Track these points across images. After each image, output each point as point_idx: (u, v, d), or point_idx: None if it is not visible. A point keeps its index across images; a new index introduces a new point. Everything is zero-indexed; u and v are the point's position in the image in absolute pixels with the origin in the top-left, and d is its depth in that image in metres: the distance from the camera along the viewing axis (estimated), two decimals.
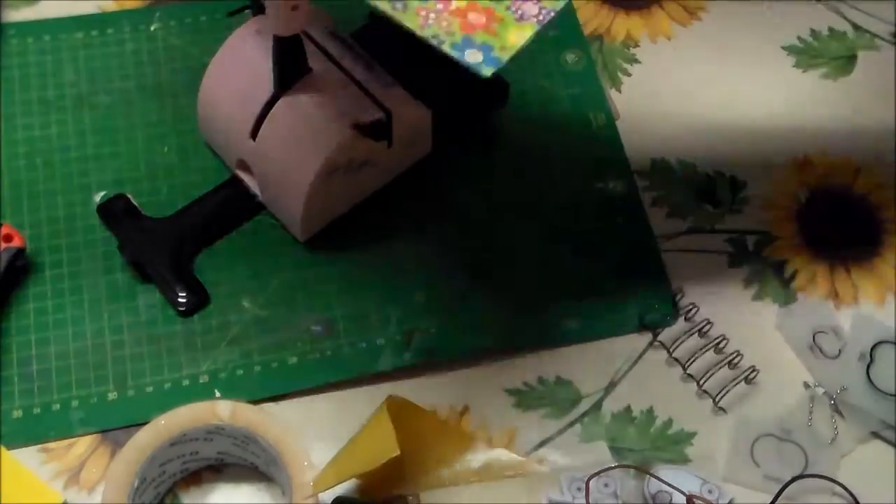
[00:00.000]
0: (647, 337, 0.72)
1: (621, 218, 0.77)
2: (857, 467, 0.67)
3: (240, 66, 0.72)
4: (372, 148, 0.70)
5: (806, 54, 0.86)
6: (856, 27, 0.87)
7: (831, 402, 0.69)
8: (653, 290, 0.74)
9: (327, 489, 0.61)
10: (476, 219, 0.76)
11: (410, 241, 0.75)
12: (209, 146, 0.78)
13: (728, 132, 0.81)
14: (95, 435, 0.67)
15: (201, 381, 0.69)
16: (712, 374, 0.70)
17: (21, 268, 0.71)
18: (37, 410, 0.67)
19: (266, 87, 0.70)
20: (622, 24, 0.87)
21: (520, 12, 0.57)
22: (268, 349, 0.70)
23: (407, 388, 0.69)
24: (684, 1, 0.88)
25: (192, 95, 0.75)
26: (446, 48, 0.55)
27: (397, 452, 0.59)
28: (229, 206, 0.75)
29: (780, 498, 0.64)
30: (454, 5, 0.57)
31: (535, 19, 0.56)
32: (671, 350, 0.71)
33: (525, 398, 0.70)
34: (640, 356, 0.71)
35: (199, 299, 0.71)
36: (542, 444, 0.68)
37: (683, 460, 0.67)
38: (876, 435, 0.69)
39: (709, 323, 0.72)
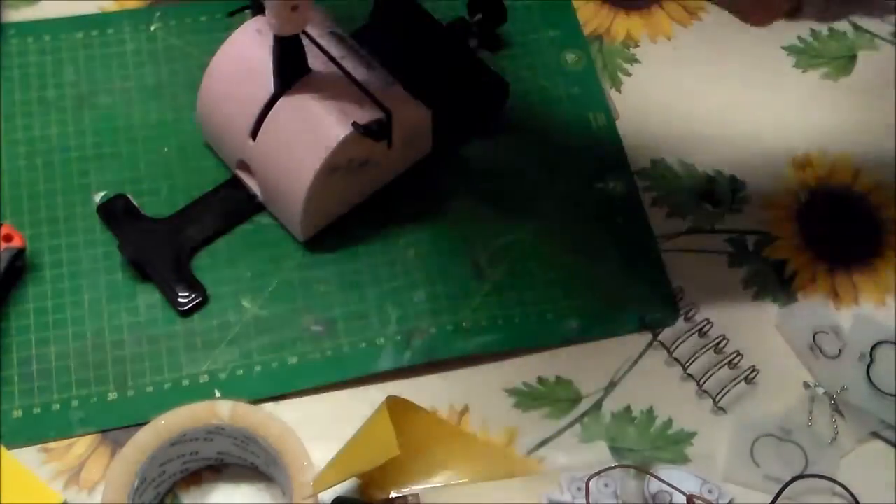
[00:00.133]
0: (647, 337, 0.72)
1: (621, 218, 0.77)
2: (857, 467, 0.67)
3: (240, 66, 0.72)
4: (372, 148, 0.70)
5: (806, 54, 0.86)
6: (856, 27, 0.87)
7: (831, 402, 0.69)
8: (653, 290, 0.74)
9: (327, 489, 0.61)
10: (476, 219, 0.76)
11: (410, 241, 0.75)
12: (209, 146, 0.78)
13: (728, 132, 0.81)
14: (95, 435, 0.67)
15: (201, 381, 0.69)
16: (712, 374, 0.70)
17: (21, 268, 0.71)
18: (37, 410, 0.67)
19: (266, 87, 0.70)
20: (622, 24, 0.87)
21: None
22: (268, 349, 0.70)
23: (407, 388, 0.69)
24: (684, 1, 0.88)
25: (192, 95, 0.75)
26: None
27: (397, 452, 0.59)
28: (229, 206, 0.75)
29: (780, 498, 0.64)
30: None
31: None
32: (671, 350, 0.71)
33: (525, 398, 0.70)
34: (640, 356, 0.71)
35: (199, 299, 0.71)
36: (542, 444, 0.68)
37: (683, 460, 0.67)
38: (876, 435, 0.69)
39: (709, 323, 0.72)
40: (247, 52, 0.72)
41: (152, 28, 0.84)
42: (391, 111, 0.69)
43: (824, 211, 0.78)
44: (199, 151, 0.78)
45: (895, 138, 0.81)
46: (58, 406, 0.67)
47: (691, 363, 0.71)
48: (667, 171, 0.79)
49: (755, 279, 0.75)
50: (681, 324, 0.72)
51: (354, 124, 0.68)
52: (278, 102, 0.70)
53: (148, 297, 0.71)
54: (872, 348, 0.71)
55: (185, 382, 0.69)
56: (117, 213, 0.74)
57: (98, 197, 0.75)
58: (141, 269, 0.72)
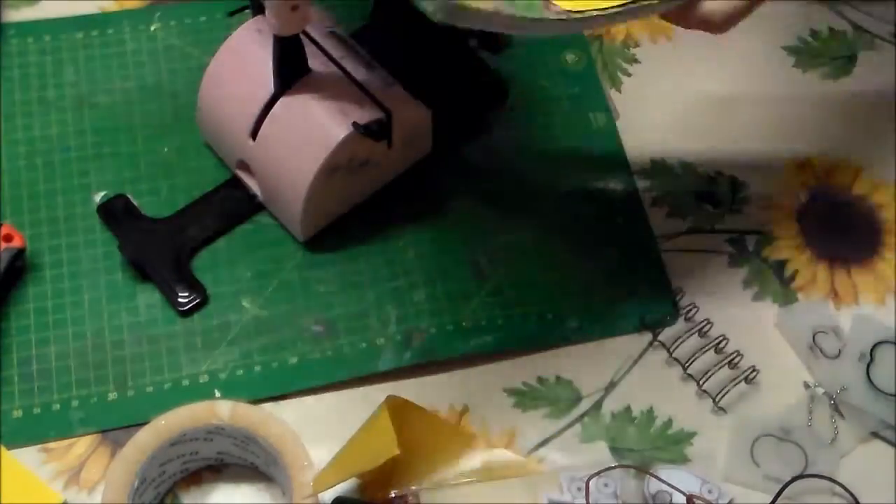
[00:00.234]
0: (647, 337, 0.72)
1: (621, 218, 0.77)
2: (857, 467, 0.67)
3: (240, 66, 0.72)
4: (372, 148, 0.70)
5: (806, 54, 0.86)
6: (856, 27, 0.87)
7: (831, 402, 0.69)
8: (653, 290, 0.74)
9: (327, 489, 0.61)
10: (476, 219, 0.76)
11: (410, 241, 0.75)
12: (209, 146, 0.78)
13: (728, 132, 0.81)
14: (95, 435, 0.67)
15: (201, 381, 0.69)
16: (712, 374, 0.70)
17: (21, 268, 0.71)
18: (37, 410, 0.67)
19: (266, 87, 0.70)
20: (622, 24, 0.87)
21: None
22: (268, 349, 0.70)
23: (407, 388, 0.69)
24: None
25: (192, 95, 0.75)
26: None
27: (397, 452, 0.59)
28: (229, 206, 0.75)
29: (780, 498, 0.64)
30: None
31: None
32: (671, 350, 0.71)
33: (525, 398, 0.70)
34: (640, 356, 0.71)
35: (199, 299, 0.71)
36: (542, 444, 0.68)
37: (683, 460, 0.67)
38: (876, 435, 0.69)
39: (709, 323, 0.72)
40: (247, 52, 0.72)
41: (152, 28, 0.84)
42: (391, 111, 0.69)
43: (824, 211, 0.78)
44: (199, 151, 0.78)
45: (895, 139, 0.81)
46: (58, 406, 0.67)
47: (691, 363, 0.71)
48: (667, 171, 0.79)
49: (755, 279, 0.75)
50: (681, 324, 0.72)
51: (354, 124, 0.68)
52: (278, 102, 0.70)
53: (148, 297, 0.71)
54: (872, 348, 0.71)
55: (185, 382, 0.69)
56: (117, 213, 0.74)
57: (98, 197, 0.75)
58: (141, 269, 0.72)
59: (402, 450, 0.59)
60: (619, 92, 0.83)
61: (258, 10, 0.72)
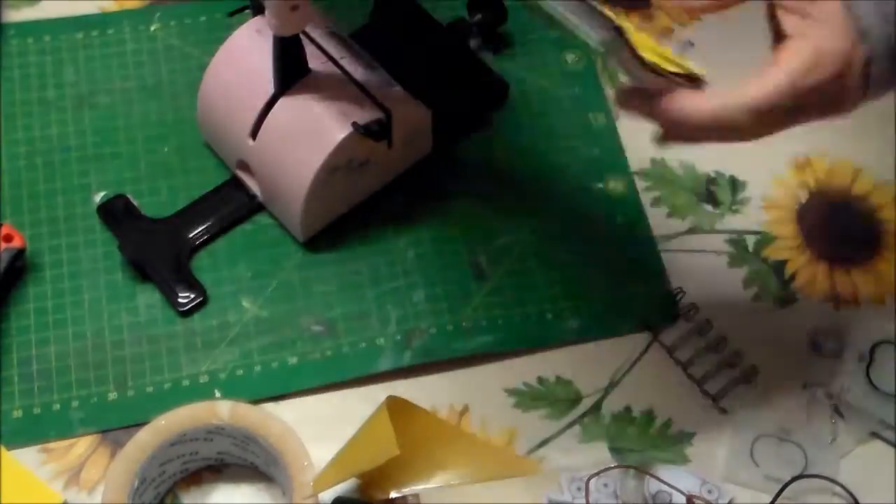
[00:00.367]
0: (647, 337, 0.72)
1: (621, 218, 0.77)
2: (857, 467, 0.67)
3: (240, 66, 0.72)
4: (372, 148, 0.70)
5: None
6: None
7: (831, 402, 0.69)
8: (653, 290, 0.74)
9: (327, 489, 0.61)
10: (476, 219, 0.76)
11: (410, 241, 0.75)
12: (209, 146, 0.78)
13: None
14: (95, 435, 0.67)
15: (201, 381, 0.69)
16: (712, 374, 0.70)
17: (21, 268, 0.71)
18: (37, 410, 0.67)
19: (266, 87, 0.70)
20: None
21: None
22: (268, 349, 0.70)
23: (407, 388, 0.69)
24: (685, 1, 0.88)
25: (192, 95, 0.75)
26: None
27: (397, 452, 0.59)
28: (229, 206, 0.75)
29: (780, 498, 0.64)
30: None
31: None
32: (671, 350, 0.71)
33: (525, 398, 0.70)
34: (640, 356, 0.71)
35: (199, 299, 0.71)
36: (542, 444, 0.68)
37: (683, 460, 0.67)
38: (876, 435, 0.69)
39: (709, 323, 0.72)
40: (247, 52, 0.72)
41: (152, 28, 0.84)
42: (391, 111, 0.69)
43: (824, 211, 0.78)
44: (199, 151, 0.78)
45: (895, 139, 0.81)
46: (58, 406, 0.67)
47: (691, 363, 0.71)
48: (667, 171, 0.79)
49: (755, 279, 0.75)
50: (681, 324, 0.72)
51: (354, 124, 0.68)
52: (278, 102, 0.70)
53: (148, 297, 0.71)
54: (872, 348, 0.71)
55: (185, 382, 0.69)
56: (117, 213, 0.74)
57: (98, 197, 0.75)
58: (141, 269, 0.72)
59: (402, 450, 0.59)
60: None
61: (258, 10, 0.72)
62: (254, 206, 0.75)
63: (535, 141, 0.80)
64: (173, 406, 0.63)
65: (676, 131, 0.59)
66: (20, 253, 0.71)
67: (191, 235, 0.73)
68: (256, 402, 0.66)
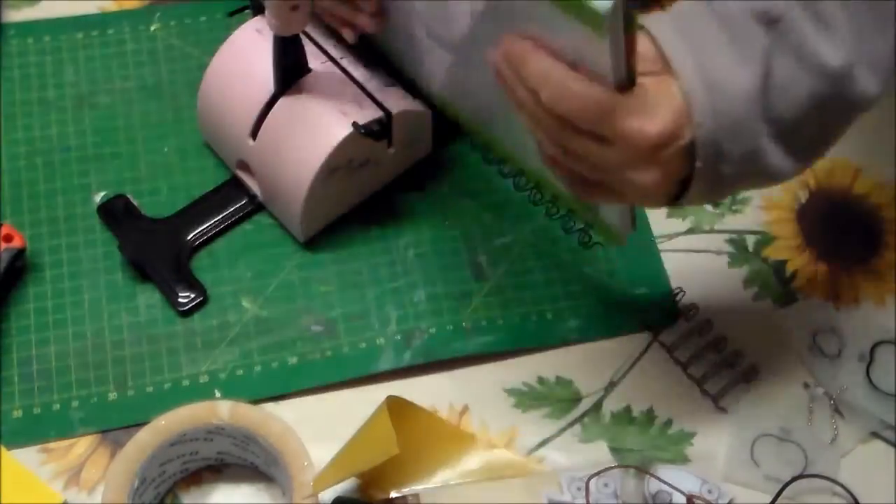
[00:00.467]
0: (647, 337, 0.72)
1: None
2: (857, 467, 0.67)
3: (240, 66, 0.72)
4: (372, 148, 0.70)
5: None
6: None
7: (831, 402, 0.69)
8: (653, 290, 0.74)
9: (327, 489, 0.61)
10: (476, 219, 0.76)
11: (410, 241, 0.75)
12: (209, 146, 0.78)
13: None
14: (95, 435, 0.67)
15: (201, 381, 0.69)
16: (712, 374, 0.70)
17: (21, 268, 0.71)
18: (37, 410, 0.67)
19: (266, 87, 0.70)
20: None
21: None
22: (268, 349, 0.70)
23: (407, 388, 0.69)
24: (685, 1, 0.88)
25: (192, 95, 0.75)
26: None
27: (397, 452, 0.59)
28: (229, 207, 0.75)
29: (780, 498, 0.64)
30: None
31: None
32: (671, 350, 0.71)
33: (525, 398, 0.70)
34: (640, 356, 0.71)
35: (199, 299, 0.71)
36: (542, 444, 0.68)
37: (683, 460, 0.67)
38: (876, 435, 0.69)
39: (709, 323, 0.72)
40: (247, 52, 0.72)
41: (152, 28, 0.84)
42: (391, 111, 0.69)
43: (824, 211, 0.78)
44: (199, 151, 0.78)
45: (895, 139, 0.81)
46: (58, 406, 0.67)
47: (691, 363, 0.71)
48: None
49: (755, 279, 0.75)
50: (681, 324, 0.72)
51: (354, 124, 0.68)
52: (278, 102, 0.70)
53: (148, 297, 0.71)
54: (872, 348, 0.71)
55: (185, 382, 0.69)
56: (117, 213, 0.74)
57: (98, 197, 0.75)
58: (141, 269, 0.72)
59: (402, 450, 0.59)
60: None
61: (258, 10, 0.72)
62: (254, 206, 0.75)
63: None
64: (173, 406, 0.63)
65: None
66: (20, 253, 0.71)
67: (191, 235, 0.73)
68: (256, 402, 0.66)
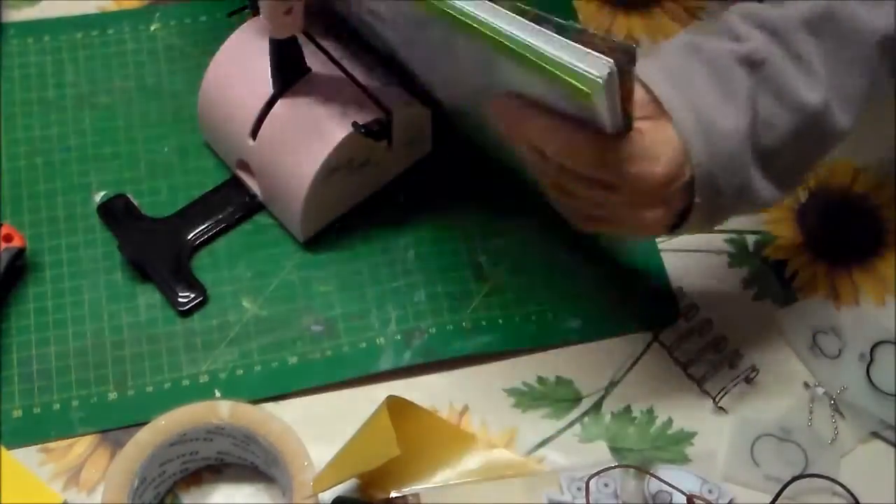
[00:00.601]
0: (647, 337, 0.72)
1: None
2: (857, 467, 0.67)
3: (240, 66, 0.72)
4: (372, 148, 0.70)
5: None
6: None
7: (831, 402, 0.69)
8: (653, 290, 0.74)
9: (327, 489, 0.61)
10: (476, 219, 0.76)
11: (410, 241, 0.75)
12: (209, 146, 0.78)
13: None
14: (95, 435, 0.67)
15: (201, 381, 0.69)
16: (712, 374, 0.70)
17: (21, 268, 0.71)
18: (37, 410, 0.67)
19: (266, 87, 0.70)
20: (622, 24, 0.87)
21: None
22: (268, 349, 0.70)
23: (407, 388, 0.69)
24: (684, 1, 0.88)
25: (192, 95, 0.75)
26: None
27: (397, 452, 0.59)
28: (229, 206, 0.75)
29: (780, 498, 0.64)
30: None
31: None
32: (671, 350, 0.71)
33: (525, 398, 0.69)
34: (640, 356, 0.71)
35: (199, 299, 0.71)
36: (542, 444, 0.68)
37: (683, 460, 0.67)
38: (876, 435, 0.69)
39: (709, 323, 0.72)
40: (247, 52, 0.72)
41: (152, 28, 0.84)
42: (391, 111, 0.69)
43: (824, 211, 0.78)
44: (199, 151, 0.78)
45: (895, 138, 0.81)
46: (58, 406, 0.67)
47: (691, 363, 0.71)
48: None
49: (755, 279, 0.75)
50: (681, 324, 0.72)
51: (354, 124, 0.68)
52: (278, 102, 0.70)
53: (148, 297, 0.71)
54: (872, 348, 0.71)
55: (185, 382, 0.69)
56: (117, 213, 0.74)
57: (98, 197, 0.75)
58: (141, 269, 0.72)
59: (402, 450, 0.59)
60: None
61: (258, 10, 0.72)
62: (254, 206, 0.75)
63: None
64: (173, 406, 0.63)
65: None
66: (20, 253, 0.71)
67: (191, 235, 0.73)
68: (256, 402, 0.66)
